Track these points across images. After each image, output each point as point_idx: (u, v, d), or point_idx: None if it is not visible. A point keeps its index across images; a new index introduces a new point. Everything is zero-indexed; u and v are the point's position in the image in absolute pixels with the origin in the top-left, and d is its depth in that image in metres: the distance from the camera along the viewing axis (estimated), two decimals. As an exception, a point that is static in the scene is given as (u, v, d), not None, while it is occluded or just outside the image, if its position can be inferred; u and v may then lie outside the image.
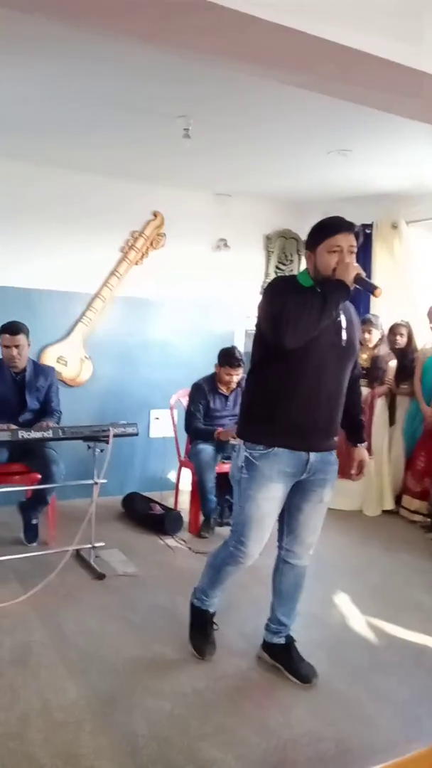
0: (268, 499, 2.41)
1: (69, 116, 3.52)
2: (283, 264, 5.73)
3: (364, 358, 4.85)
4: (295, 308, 2.20)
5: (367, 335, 4.79)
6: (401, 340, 4.87)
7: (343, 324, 2.39)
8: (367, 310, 5.17)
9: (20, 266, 4.55)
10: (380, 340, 4.83)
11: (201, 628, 2.75)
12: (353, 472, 2.68)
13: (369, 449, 4.74)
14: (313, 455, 2.40)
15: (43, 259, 4.64)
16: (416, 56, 1.97)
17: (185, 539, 4.08)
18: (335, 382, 2.39)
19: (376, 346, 4.81)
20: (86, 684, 2.46)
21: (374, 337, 4.80)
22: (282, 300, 2.26)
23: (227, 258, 5.33)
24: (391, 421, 4.89)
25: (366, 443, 2.76)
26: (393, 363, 4.79)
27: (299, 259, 5.81)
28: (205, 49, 1.93)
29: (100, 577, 3.42)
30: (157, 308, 5.13)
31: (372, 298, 5.14)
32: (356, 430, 2.68)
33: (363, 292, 2.39)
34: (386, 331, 4.92)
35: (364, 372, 4.81)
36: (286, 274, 5.58)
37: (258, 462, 2.38)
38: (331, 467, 2.49)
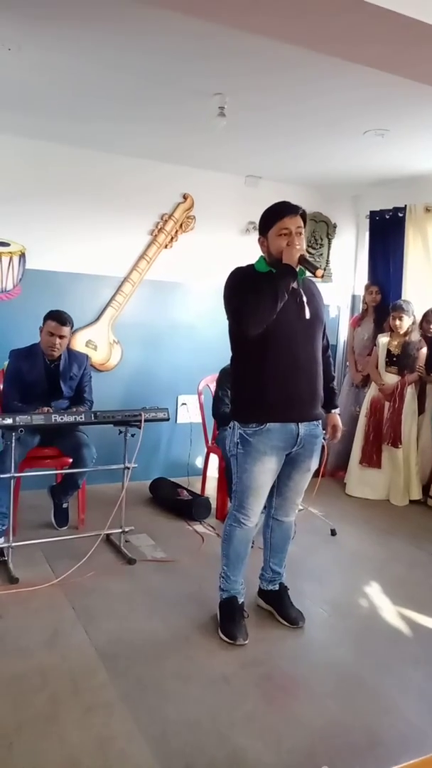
0: (263, 472, 2.63)
1: (101, 96, 3.46)
2: (313, 248, 5.64)
3: (394, 344, 4.77)
4: (251, 301, 2.45)
5: (398, 322, 4.71)
6: (434, 328, 4.78)
7: (305, 299, 2.58)
8: (398, 296, 5.08)
9: (50, 249, 4.54)
10: (411, 326, 4.74)
11: (230, 616, 2.77)
12: (327, 436, 2.94)
13: (398, 438, 4.70)
14: (302, 427, 2.62)
15: (72, 242, 4.62)
16: None
17: (213, 525, 4.08)
18: (307, 352, 2.62)
19: (407, 333, 4.73)
20: (116, 667, 2.49)
21: (405, 323, 4.71)
22: (238, 295, 2.52)
23: (256, 241, 5.24)
24: (421, 409, 4.83)
25: (339, 409, 2.99)
26: (424, 350, 4.71)
27: (329, 243, 5.72)
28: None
29: (131, 561, 3.43)
30: (185, 292, 5.10)
31: (403, 284, 5.12)
32: (329, 398, 2.88)
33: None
34: (418, 318, 4.83)
35: (395, 359, 4.76)
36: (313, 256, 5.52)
37: (252, 439, 2.59)
38: (317, 439, 2.74)
